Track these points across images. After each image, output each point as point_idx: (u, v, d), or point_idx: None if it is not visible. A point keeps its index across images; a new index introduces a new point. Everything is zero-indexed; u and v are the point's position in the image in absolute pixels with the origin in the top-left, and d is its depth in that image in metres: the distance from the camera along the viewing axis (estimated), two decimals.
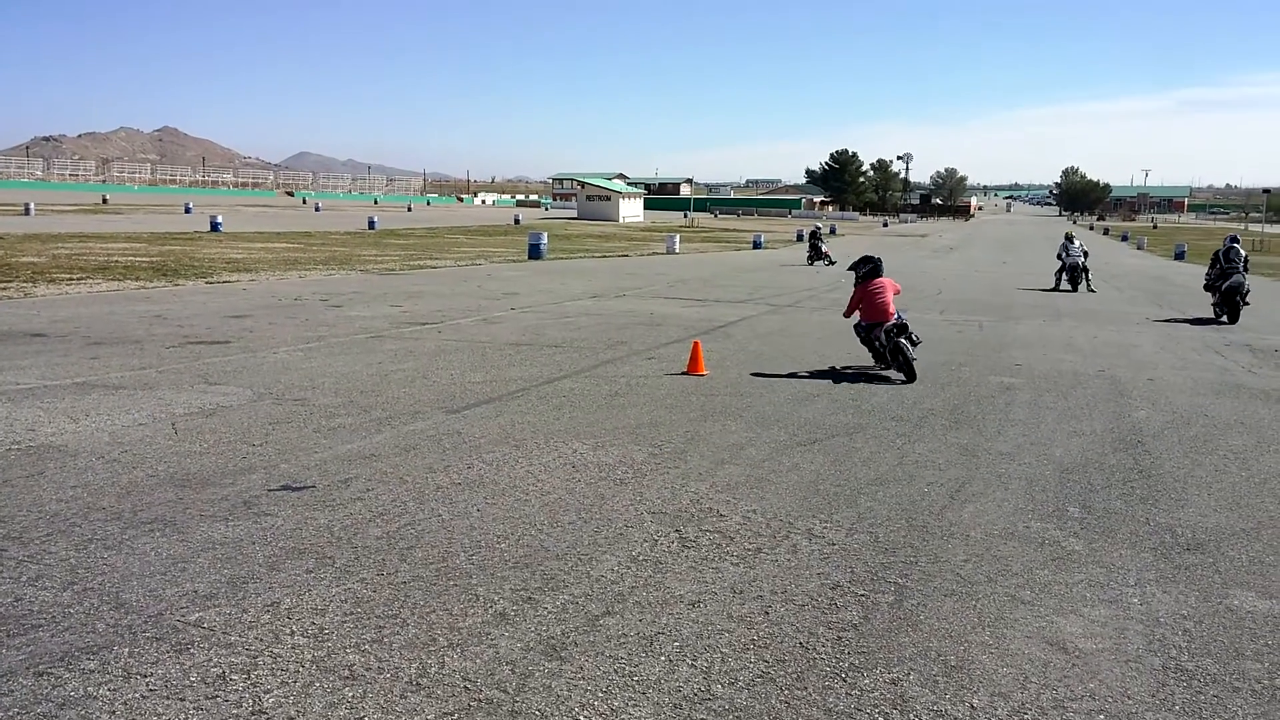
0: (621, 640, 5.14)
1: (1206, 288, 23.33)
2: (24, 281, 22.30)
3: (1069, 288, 30.33)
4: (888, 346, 13.26)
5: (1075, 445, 9.84)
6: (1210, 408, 11.97)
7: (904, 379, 13.09)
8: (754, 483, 8.14)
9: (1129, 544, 6.92)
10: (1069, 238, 31.55)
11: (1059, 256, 31.06)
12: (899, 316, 13.44)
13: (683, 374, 13.09)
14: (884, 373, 13.54)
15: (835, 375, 13.47)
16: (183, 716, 4.28)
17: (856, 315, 14.21)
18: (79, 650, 4.82)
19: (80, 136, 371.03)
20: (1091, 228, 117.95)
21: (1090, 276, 31.03)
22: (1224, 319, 22.16)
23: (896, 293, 13.95)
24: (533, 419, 10.24)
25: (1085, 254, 30.90)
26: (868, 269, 14.10)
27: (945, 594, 5.89)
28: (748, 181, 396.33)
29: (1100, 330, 19.96)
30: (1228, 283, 22.04)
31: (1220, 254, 22.83)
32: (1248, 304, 22.19)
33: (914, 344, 13.24)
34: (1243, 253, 22.75)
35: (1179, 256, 54.19)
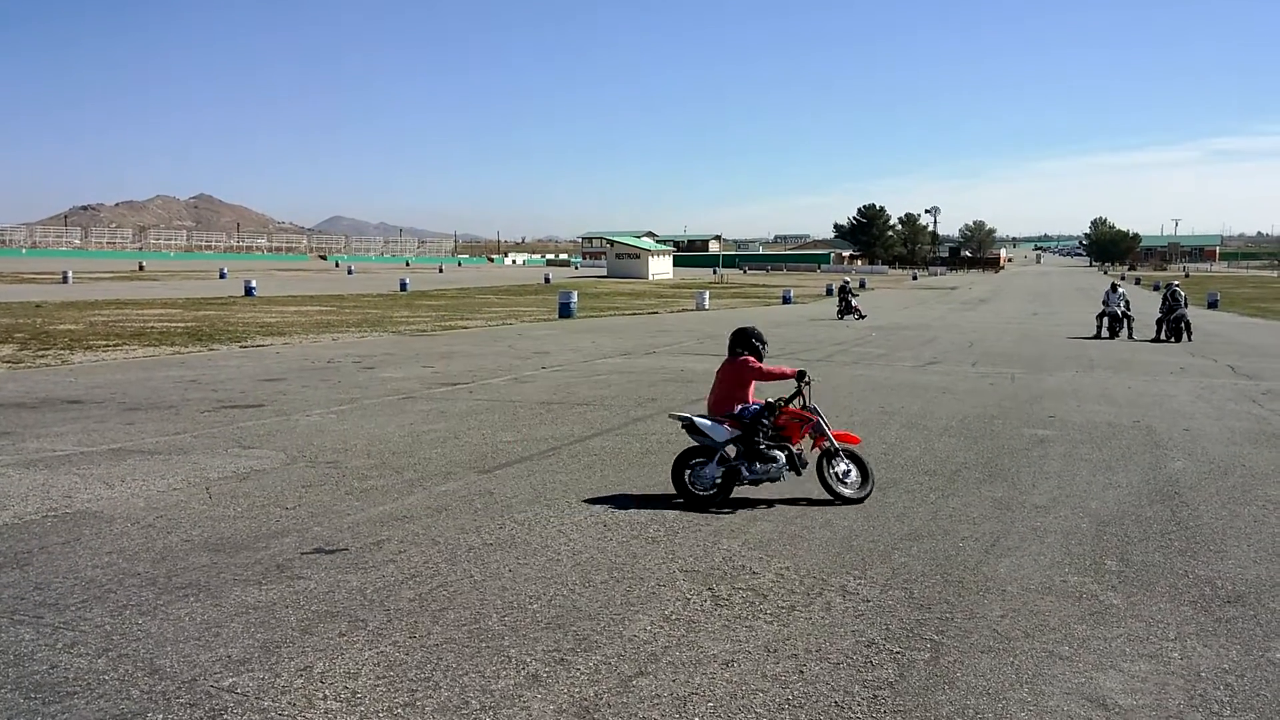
0: (655, 701, 5.10)
1: (1159, 321, 31.41)
2: (61, 349, 22.63)
3: (1108, 335, 31.47)
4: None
5: (1111, 497, 9.73)
6: (1248, 457, 11.81)
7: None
8: (786, 539, 8.09)
9: (1168, 597, 6.82)
10: (1112, 287, 33.47)
11: (1103, 303, 32.76)
12: (748, 410, 9.55)
13: None
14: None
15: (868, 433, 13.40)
16: None
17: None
18: (114, 717, 4.84)
19: (117, 205, 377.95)
20: (1123, 278, 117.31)
21: (1133, 325, 32.43)
22: (1172, 340, 30.36)
23: (757, 377, 9.78)
24: (564, 478, 10.25)
25: (1127, 303, 32.48)
26: (730, 341, 10.14)
27: (982, 650, 5.81)
28: (776, 237, 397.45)
29: (1134, 380, 19.79)
30: (1174, 315, 30.77)
31: (1168, 296, 31.20)
32: (1190, 328, 30.78)
33: (769, 460, 9.31)
34: (1182, 295, 31.15)
35: (1212, 305, 53.71)
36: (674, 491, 9.46)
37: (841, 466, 9.56)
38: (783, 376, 9.80)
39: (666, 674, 5.43)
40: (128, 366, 19.85)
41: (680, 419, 9.58)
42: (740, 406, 9.57)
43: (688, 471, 9.37)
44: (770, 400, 9.60)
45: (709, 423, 9.42)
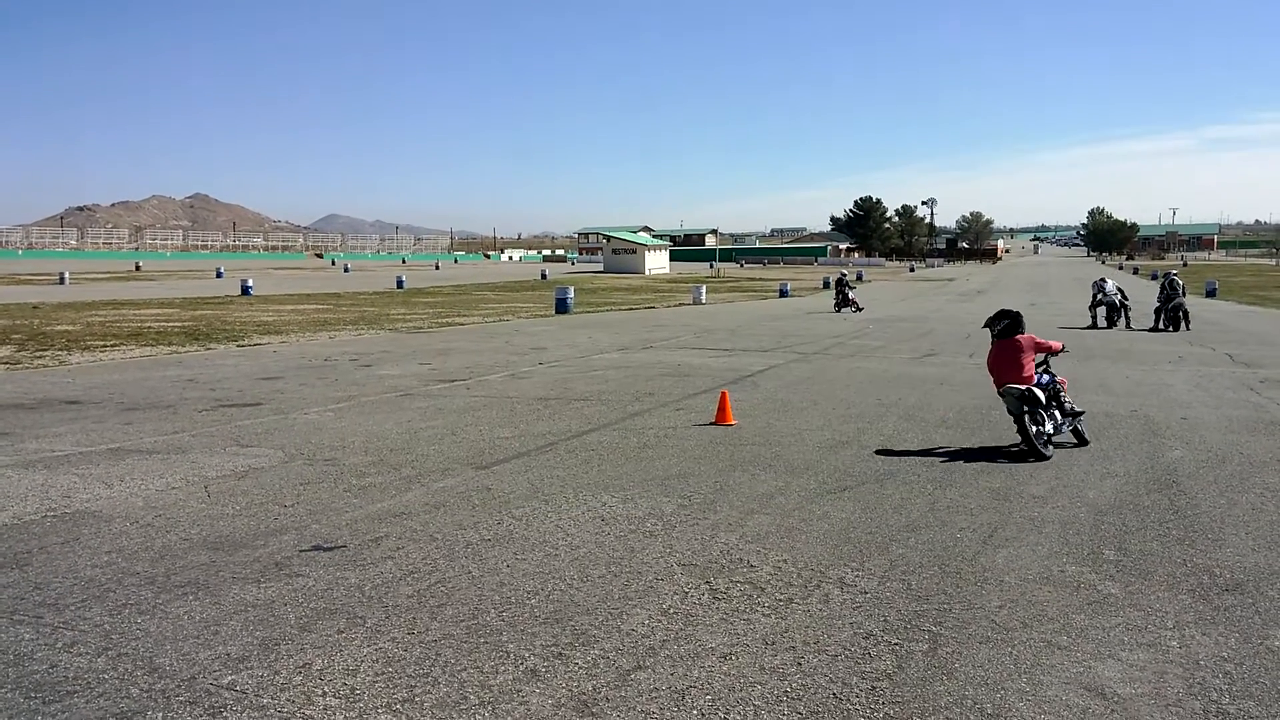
0: (653, 695, 5.11)
1: (1156, 310, 31.15)
2: (59, 349, 22.61)
3: (1105, 325, 31.49)
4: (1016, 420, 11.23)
5: (1109, 487, 9.74)
6: (1246, 445, 11.83)
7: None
8: (784, 532, 8.10)
9: (1166, 586, 6.83)
10: (1102, 280, 33.41)
11: (1095, 296, 32.58)
12: (1044, 380, 11.60)
13: (711, 424, 13.08)
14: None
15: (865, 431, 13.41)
16: None
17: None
18: (113, 716, 4.84)
19: (113, 205, 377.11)
20: (1121, 268, 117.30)
21: (1131, 315, 32.47)
22: (1169, 329, 30.21)
23: (1043, 350, 11.93)
24: (561, 473, 10.25)
25: (1121, 292, 32.46)
26: (1001, 326, 11.89)
27: (980, 641, 5.82)
28: (773, 230, 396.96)
29: (1132, 370, 19.81)
30: (1172, 304, 30.48)
31: (1165, 285, 30.91)
32: (1188, 317, 30.52)
33: (1069, 414, 11.66)
34: (1180, 284, 30.96)
35: (1210, 294, 53.68)
36: (673, 485, 9.52)
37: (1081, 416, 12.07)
38: (1056, 350, 12.28)
39: (665, 667, 5.43)
40: (125, 366, 19.84)
41: (1019, 390, 11.18)
42: (1036, 377, 11.64)
43: (1034, 429, 11.07)
44: (1050, 371, 12.03)
45: (1039, 390, 11.26)
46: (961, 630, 5.99)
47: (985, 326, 12.39)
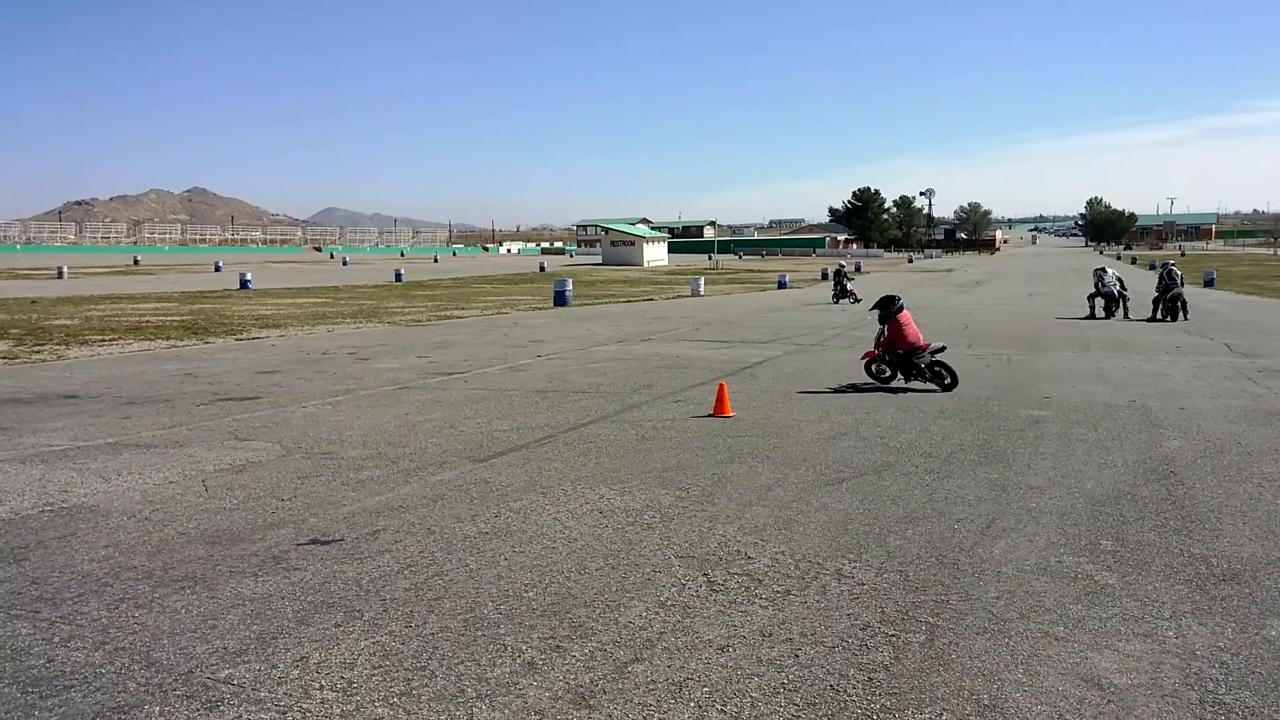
0: (650, 687, 5.11)
1: (1155, 300, 31.48)
2: (57, 344, 22.58)
3: (1103, 315, 31.35)
4: (928, 366, 15.59)
5: (1107, 477, 9.74)
6: (1244, 436, 11.83)
7: (942, 388, 15.36)
8: (782, 524, 8.10)
9: (1163, 576, 6.84)
10: (1103, 270, 33.12)
11: (1095, 286, 32.37)
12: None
13: (709, 416, 13.08)
14: (912, 386, 15.62)
15: (862, 415, 13.40)
16: None
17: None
18: (110, 710, 4.84)
19: (112, 199, 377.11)
20: (1119, 257, 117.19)
21: (1129, 305, 32.36)
22: (1167, 319, 30.36)
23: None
24: (560, 466, 10.25)
25: (1120, 282, 32.26)
26: (899, 304, 16.16)
27: (977, 632, 5.83)
28: (771, 222, 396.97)
29: (1130, 360, 19.81)
30: (1170, 294, 30.76)
31: (1163, 275, 31.37)
32: (1186, 307, 30.76)
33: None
34: (1178, 274, 31.31)
35: (1208, 284, 53.61)
36: (670, 477, 9.55)
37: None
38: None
39: (662, 660, 5.44)
40: (123, 361, 19.82)
41: (938, 345, 16.03)
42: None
43: (913, 371, 15.74)
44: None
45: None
46: (958, 621, 5.99)
47: (876, 308, 16.55)
